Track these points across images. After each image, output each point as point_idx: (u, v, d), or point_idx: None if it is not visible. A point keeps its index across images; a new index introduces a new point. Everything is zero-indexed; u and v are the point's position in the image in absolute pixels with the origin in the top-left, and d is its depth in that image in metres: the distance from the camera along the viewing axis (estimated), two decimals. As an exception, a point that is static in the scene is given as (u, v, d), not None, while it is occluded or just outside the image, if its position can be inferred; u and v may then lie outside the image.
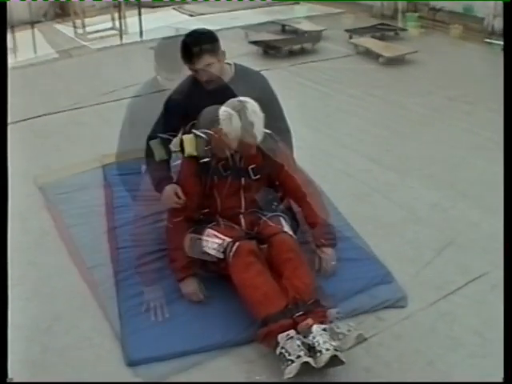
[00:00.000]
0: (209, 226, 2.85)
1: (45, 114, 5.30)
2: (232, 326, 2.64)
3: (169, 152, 2.90)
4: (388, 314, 2.74)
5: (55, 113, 5.37)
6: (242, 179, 2.90)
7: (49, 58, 7.17)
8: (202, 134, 2.81)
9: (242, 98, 2.77)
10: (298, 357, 2.27)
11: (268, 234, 2.78)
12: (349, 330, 2.38)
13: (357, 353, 2.39)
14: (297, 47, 7.15)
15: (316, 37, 7.45)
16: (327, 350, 2.30)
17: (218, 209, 2.91)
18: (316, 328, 2.40)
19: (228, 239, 2.72)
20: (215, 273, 2.80)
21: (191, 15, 8.76)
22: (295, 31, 7.83)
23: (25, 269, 3.10)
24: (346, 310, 2.63)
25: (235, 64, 3.14)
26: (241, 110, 2.72)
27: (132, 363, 2.48)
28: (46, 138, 4.88)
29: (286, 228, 2.85)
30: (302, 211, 3.03)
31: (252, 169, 2.90)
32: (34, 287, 3.00)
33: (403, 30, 7.56)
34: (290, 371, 2.25)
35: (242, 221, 2.93)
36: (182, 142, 2.87)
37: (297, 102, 5.13)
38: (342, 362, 2.30)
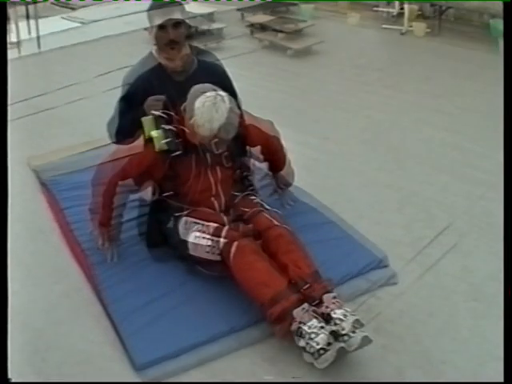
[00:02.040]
0: (184, 214, 2.82)
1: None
2: (232, 311, 2.61)
3: (172, 144, 2.83)
4: (375, 275, 2.82)
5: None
6: (207, 155, 2.89)
7: None
8: (171, 127, 2.83)
9: (221, 92, 2.74)
10: (329, 344, 2.27)
11: (250, 214, 2.79)
12: (353, 332, 2.33)
13: (361, 315, 2.42)
14: (201, 46, 7.12)
15: (218, 34, 7.49)
16: (353, 332, 2.32)
17: (186, 191, 2.89)
18: (326, 297, 2.45)
19: (222, 240, 2.64)
20: (218, 273, 2.73)
21: (82, 23, 8.51)
22: (195, 30, 7.80)
23: (19, 252, 3.01)
24: (344, 294, 2.63)
25: (197, 57, 3.17)
26: (209, 99, 2.69)
27: (141, 367, 2.39)
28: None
29: (264, 206, 2.88)
30: (270, 163, 3.32)
31: (215, 143, 2.86)
32: (29, 272, 2.97)
33: (302, 21, 7.75)
34: (327, 359, 2.25)
35: (215, 204, 2.92)
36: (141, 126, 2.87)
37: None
38: (370, 341, 2.32)
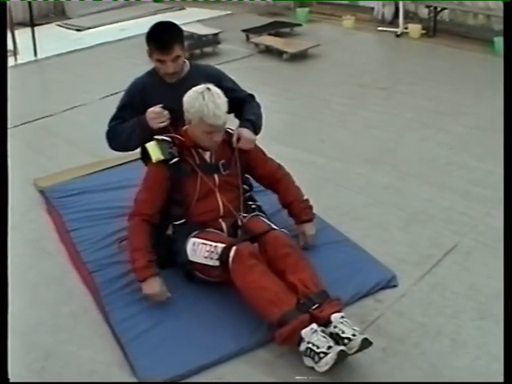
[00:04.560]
0: (192, 235, 2.82)
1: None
2: (241, 331, 2.61)
3: (166, 153, 2.85)
4: (384, 294, 2.84)
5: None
6: (215, 176, 2.90)
7: None
8: (164, 137, 2.88)
9: (207, 84, 2.80)
10: (329, 347, 2.31)
11: (258, 233, 2.78)
12: (354, 335, 2.36)
13: (369, 335, 2.43)
14: (197, 52, 7.12)
15: (214, 39, 7.49)
16: (354, 335, 2.36)
17: (193, 213, 2.89)
18: (335, 317, 2.45)
19: (220, 245, 2.70)
20: (217, 278, 2.76)
21: (79, 30, 8.49)
22: (191, 36, 7.79)
23: (24, 272, 3.06)
24: (345, 298, 2.70)
25: (189, 61, 3.22)
26: (204, 92, 2.74)
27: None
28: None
29: (272, 226, 2.87)
30: (279, 193, 3.17)
31: (222, 164, 2.92)
32: (34, 292, 2.98)
33: (298, 25, 7.77)
34: (327, 362, 2.28)
35: (223, 225, 2.92)
36: (146, 151, 2.90)
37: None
38: (370, 343, 2.36)
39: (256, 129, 3.12)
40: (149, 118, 2.96)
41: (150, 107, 2.99)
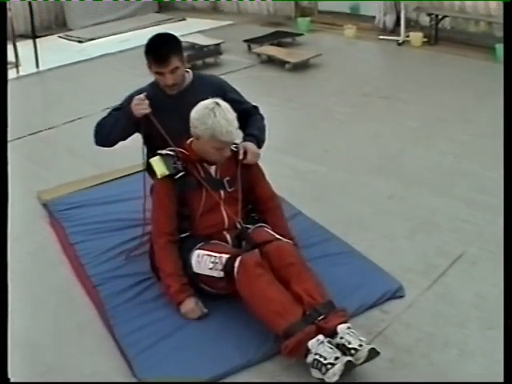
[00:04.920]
0: (196, 247, 2.80)
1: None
2: (248, 343, 2.59)
3: (171, 167, 2.83)
4: (390, 305, 2.82)
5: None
6: (221, 191, 2.89)
7: None
8: (168, 152, 2.86)
9: (214, 99, 2.77)
10: (337, 358, 2.29)
11: (261, 241, 2.75)
12: (360, 345, 2.35)
13: (376, 346, 2.41)
14: (199, 62, 7.12)
15: (216, 50, 7.50)
16: (360, 345, 2.34)
17: (198, 227, 2.87)
18: (341, 328, 2.44)
19: (224, 255, 2.68)
20: (223, 290, 2.74)
21: (80, 41, 8.51)
22: (193, 46, 7.81)
23: (27, 285, 3.03)
24: (351, 308, 2.68)
25: (192, 71, 3.19)
26: (215, 108, 2.71)
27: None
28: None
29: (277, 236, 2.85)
30: (268, 223, 3.00)
31: (227, 181, 2.91)
32: (36, 304, 2.97)
33: (300, 35, 7.77)
34: (334, 373, 2.26)
35: (228, 237, 2.90)
36: (150, 167, 2.88)
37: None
38: (377, 353, 2.34)
39: (259, 143, 3.11)
40: (132, 105, 2.97)
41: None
